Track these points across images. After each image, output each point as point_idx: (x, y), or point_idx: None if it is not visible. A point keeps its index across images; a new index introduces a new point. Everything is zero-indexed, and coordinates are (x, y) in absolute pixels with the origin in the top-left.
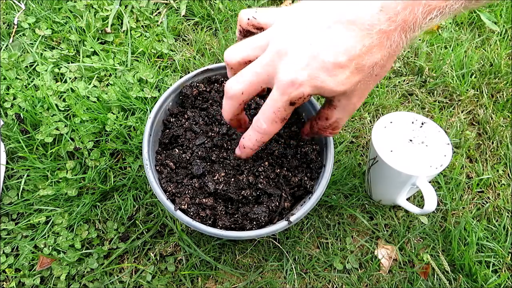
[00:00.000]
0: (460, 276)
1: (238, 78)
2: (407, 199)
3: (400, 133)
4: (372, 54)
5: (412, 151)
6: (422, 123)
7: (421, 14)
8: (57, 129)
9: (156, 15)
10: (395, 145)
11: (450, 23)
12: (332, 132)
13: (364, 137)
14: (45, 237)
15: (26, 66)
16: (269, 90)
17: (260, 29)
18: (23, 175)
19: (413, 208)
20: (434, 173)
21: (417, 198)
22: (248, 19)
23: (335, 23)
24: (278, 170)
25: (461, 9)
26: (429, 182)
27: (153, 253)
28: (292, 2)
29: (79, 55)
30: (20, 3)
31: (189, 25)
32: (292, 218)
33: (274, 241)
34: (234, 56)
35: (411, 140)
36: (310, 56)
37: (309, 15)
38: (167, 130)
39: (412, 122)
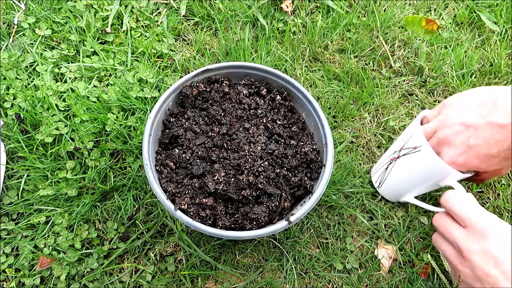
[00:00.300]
0: None
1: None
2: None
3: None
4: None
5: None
6: None
7: None
8: (57, 129)
9: (156, 15)
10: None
11: (450, 23)
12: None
13: (364, 137)
14: (45, 237)
15: (26, 66)
16: None
17: None
18: (23, 175)
19: (428, 206)
20: (469, 174)
21: (417, 198)
22: None
23: (490, 124)
24: (278, 170)
25: None
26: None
27: (153, 253)
28: (292, 2)
29: (79, 55)
30: (20, 3)
31: (189, 25)
32: (292, 218)
33: (274, 241)
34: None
35: None
36: (467, 146)
37: (473, 106)
38: (167, 130)
39: None
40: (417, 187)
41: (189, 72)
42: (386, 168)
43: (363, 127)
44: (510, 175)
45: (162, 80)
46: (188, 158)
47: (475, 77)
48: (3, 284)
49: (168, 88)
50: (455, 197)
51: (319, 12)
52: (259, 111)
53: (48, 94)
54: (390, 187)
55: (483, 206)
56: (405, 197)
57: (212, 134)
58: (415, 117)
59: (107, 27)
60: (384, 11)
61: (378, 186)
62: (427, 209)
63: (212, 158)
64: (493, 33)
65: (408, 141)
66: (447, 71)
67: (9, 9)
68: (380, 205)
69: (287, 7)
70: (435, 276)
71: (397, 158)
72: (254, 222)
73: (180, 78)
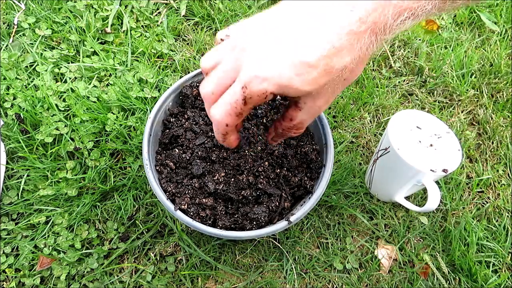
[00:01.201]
0: (458, 277)
1: (207, 79)
2: (406, 199)
3: (414, 131)
4: (341, 57)
5: (421, 151)
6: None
7: (392, 15)
8: (57, 129)
9: (156, 15)
10: (407, 142)
11: (450, 23)
12: (296, 132)
13: (364, 137)
14: (45, 237)
15: (26, 66)
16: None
17: None
18: (23, 175)
19: (411, 206)
20: (442, 174)
21: (417, 198)
22: (222, 39)
23: (305, 22)
24: (278, 170)
25: (435, 11)
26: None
27: (153, 253)
28: None
29: (79, 55)
30: (20, 3)
31: (189, 25)
32: (292, 218)
33: (274, 241)
34: (208, 62)
35: (420, 141)
36: (277, 53)
37: (278, 14)
38: (167, 130)
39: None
40: (400, 187)
41: (189, 72)
42: (371, 170)
43: (363, 127)
44: (510, 175)
45: (162, 80)
46: (188, 158)
47: (475, 77)
48: (3, 284)
49: (168, 88)
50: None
51: None
52: (259, 111)
53: (48, 94)
54: (378, 188)
55: (483, 206)
56: (395, 198)
57: (212, 134)
58: None
59: (107, 27)
60: None
61: (369, 187)
62: (411, 209)
63: (212, 158)
64: (493, 33)
65: (381, 142)
66: (447, 71)
67: (9, 9)
68: (380, 205)
69: None
70: (435, 276)
71: (376, 159)
72: (254, 222)
73: (180, 78)
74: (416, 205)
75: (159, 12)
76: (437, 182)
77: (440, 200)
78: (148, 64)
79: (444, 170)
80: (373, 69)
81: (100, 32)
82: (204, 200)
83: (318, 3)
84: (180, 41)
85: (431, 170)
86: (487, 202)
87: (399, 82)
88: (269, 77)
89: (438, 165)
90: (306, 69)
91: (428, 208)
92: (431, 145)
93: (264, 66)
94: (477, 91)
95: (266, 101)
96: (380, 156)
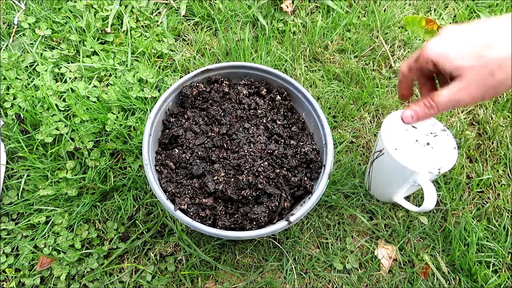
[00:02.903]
0: (458, 277)
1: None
2: (405, 199)
3: (410, 131)
4: (497, 49)
5: (418, 150)
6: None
7: None
8: (57, 129)
9: (156, 15)
10: (403, 142)
11: (450, 23)
12: (426, 107)
13: (364, 137)
14: (45, 237)
15: (26, 66)
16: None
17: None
18: (23, 175)
19: (410, 206)
20: (437, 172)
21: (417, 198)
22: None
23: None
24: (278, 170)
25: None
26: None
27: (153, 253)
28: (292, 2)
29: (79, 55)
30: (20, 3)
31: (189, 25)
32: (292, 218)
33: (274, 241)
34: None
35: (417, 140)
36: (451, 34)
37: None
38: (167, 130)
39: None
40: (397, 188)
41: (189, 72)
42: (369, 171)
43: (363, 127)
44: (510, 175)
45: (162, 80)
46: (188, 158)
47: None
48: (3, 284)
49: (168, 88)
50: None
51: (319, 12)
52: (259, 111)
53: (48, 94)
54: (376, 189)
55: (483, 206)
56: (393, 198)
57: (212, 134)
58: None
59: (107, 27)
60: (384, 11)
61: (368, 188)
62: (410, 209)
63: (212, 158)
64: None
65: (377, 144)
66: None
67: (9, 9)
68: (380, 205)
69: (287, 7)
70: (435, 276)
71: (373, 161)
72: (254, 222)
73: (180, 78)
74: (416, 205)
75: (159, 12)
76: (436, 182)
77: (440, 200)
78: (148, 64)
79: (439, 170)
80: (373, 69)
81: (100, 32)
82: (204, 200)
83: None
84: (180, 41)
85: (427, 170)
86: (487, 202)
87: None
88: (437, 47)
89: (434, 164)
90: (465, 48)
91: (425, 208)
92: (428, 143)
93: (438, 40)
94: None
95: (426, 67)
96: (376, 158)
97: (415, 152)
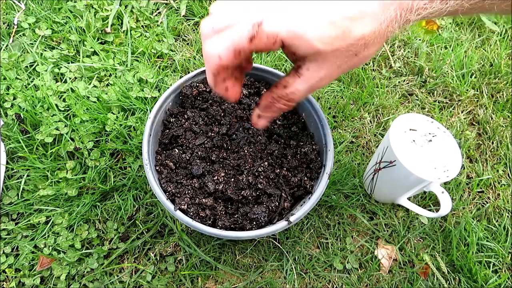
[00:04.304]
0: (458, 277)
1: (210, 16)
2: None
3: (411, 134)
4: (363, 24)
5: (422, 154)
6: (438, 128)
7: None
8: (57, 129)
9: (156, 15)
10: (407, 147)
11: (450, 23)
12: (285, 103)
13: (364, 137)
14: (45, 237)
15: (26, 66)
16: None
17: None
18: (23, 175)
19: (421, 211)
20: (448, 179)
21: (417, 198)
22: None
23: None
24: (278, 170)
25: (459, 8)
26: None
27: (153, 253)
28: None
29: (79, 55)
30: (20, 3)
31: (189, 25)
32: (292, 218)
33: (274, 241)
34: (213, 18)
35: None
36: (303, 5)
37: None
38: (167, 130)
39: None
40: (405, 193)
41: (189, 72)
42: (372, 178)
43: (363, 127)
44: (510, 175)
45: (162, 80)
46: (188, 158)
47: (475, 77)
48: (3, 284)
49: (168, 88)
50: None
51: None
52: None
53: (48, 94)
54: (380, 194)
55: (483, 206)
56: (398, 201)
57: (212, 134)
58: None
59: (107, 27)
60: None
61: (370, 193)
62: (418, 212)
63: (212, 158)
64: (493, 33)
65: (384, 154)
66: (447, 71)
67: (9, 9)
68: (380, 205)
69: None
70: (435, 276)
71: (378, 169)
72: (254, 222)
73: (180, 78)
74: (417, 204)
75: (159, 12)
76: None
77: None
78: (148, 64)
79: (448, 176)
80: (373, 69)
81: (100, 32)
82: (204, 200)
83: None
84: (180, 41)
85: (438, 178)
86: (487, 202)
87: (399, 82)
88: (286, 22)
89: (442, 168)
90: (326, 25)
91: (441, 214)
92: (429, 141)
93: (284, 12)
94: (477, 91)
95: (270, 49)
96: (384, 167)
97: (422, 159)
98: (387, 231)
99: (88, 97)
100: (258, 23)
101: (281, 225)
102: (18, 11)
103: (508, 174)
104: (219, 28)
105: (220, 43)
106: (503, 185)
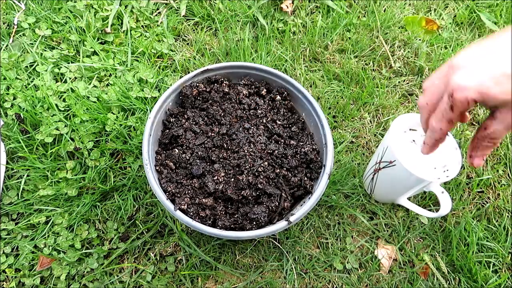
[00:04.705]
0: (458, 277)
1: (423, 93)
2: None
3: (410, 134)
4: None
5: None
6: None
7: None
8: (57, 129)
9: (156, 15)
10: (408, 149)
11: (450, 23)
12: (490, 142)
13: (364, 137)
14: (45, 237)
15: (26, 66)
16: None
17: None
18: (23, 175)
19: (421, 211)
20: (448, 179)
21: (417, 198)
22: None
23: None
24: (278, 170)
25: None
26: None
27: (153, 253)
28: (292, 2)
29: (79, 55)
30: (20, 3)
31: (189, 25)
32: (292, 218)
33: (274, 241)
34: (426, 83)
35: (413, 141)
36: (481, 65)
37: (491, 38)
38: (167, 130)
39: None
40: (405, 193)
41: (189, 72)
42: (372, 178)
43: (363, 127)
44: (510, 175)
45: (162, 80)
46: (188, 158)
47: None
48: (3, 284)
49: (168, 88)
50: None
51: (319, 12)
52: (259, 111)
53: (48, 94)
54: (380, 194)
55: (483, 206)
56: (398, 201)
57: (212, 134)
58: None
59: (107, 27)
60: (384, 11)
61: (370, 193)
62: (418, 212)
63: (212, 158)
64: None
65: (384, 154)
66: None
67: (9, 9)
68: (380, 205)
69: (287, 7)
70: (435, 276)
71: (378, 170)
72: (254, 222)
73: (180, 78)
74: (417, 204)
75: (159, 12)
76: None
77: None
78: (148, 64)
79: (448, 176)
80: (373, 69)
81: (100, 32)
82: (204, 200)
83: None
84: (180, 41)
85: (438, 178)
86: (487, 202)
87: (399, 82)
88: (471, 86)
89: (442, 167)
90: (505, 80)
91: (441, 214)
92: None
93: (468, 77)
94: None
95: (470, 108)
96: (384, 167)
97: (422, 159)
98: (387, 231)
99: (88, 97)
100: (451, 93)
101: (281, 225)
102: (18, 11)
103: (508, 174)
104: (429, 102)
105: (437, 118)
106: (503, 185)
